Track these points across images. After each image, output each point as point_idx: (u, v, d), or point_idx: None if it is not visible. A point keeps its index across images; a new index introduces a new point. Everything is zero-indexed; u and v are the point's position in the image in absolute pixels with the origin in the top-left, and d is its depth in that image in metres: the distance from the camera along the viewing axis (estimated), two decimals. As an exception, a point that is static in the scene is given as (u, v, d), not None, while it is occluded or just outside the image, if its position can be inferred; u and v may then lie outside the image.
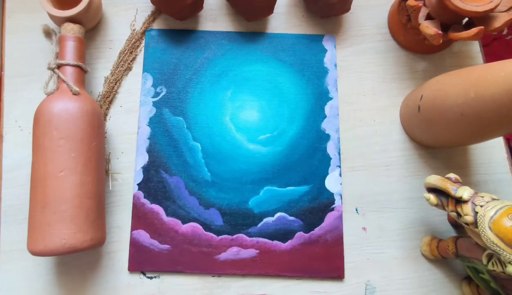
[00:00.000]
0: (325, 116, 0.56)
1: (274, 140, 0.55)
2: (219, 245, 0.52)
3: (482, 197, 0.40)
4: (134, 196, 0.53)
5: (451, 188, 0.41)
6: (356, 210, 0.54)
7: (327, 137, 0.55)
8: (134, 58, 0.57)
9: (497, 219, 0.37)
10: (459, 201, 0.41)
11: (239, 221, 0.52)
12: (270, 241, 0.52)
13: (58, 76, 0.48)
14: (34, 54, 0.57)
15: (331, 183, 0.54)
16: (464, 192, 0.40)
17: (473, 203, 0.40)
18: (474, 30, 0.46)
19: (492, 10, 0.47)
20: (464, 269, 0.51)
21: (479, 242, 0.41)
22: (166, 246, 0.51)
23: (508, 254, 0.36)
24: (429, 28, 0.49)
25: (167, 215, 0.52)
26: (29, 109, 0.54)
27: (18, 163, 0.53)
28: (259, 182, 0.54)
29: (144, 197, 0.53)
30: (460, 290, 0.51)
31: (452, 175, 0.44)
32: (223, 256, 0.51)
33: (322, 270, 0.51)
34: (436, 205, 0.44)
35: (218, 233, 0.52)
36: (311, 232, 0.52)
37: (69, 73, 0.48)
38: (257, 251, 0.52)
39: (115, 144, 0.55)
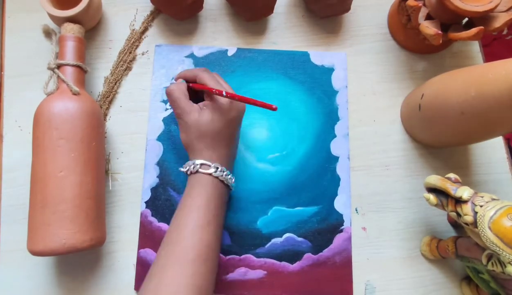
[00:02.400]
0: (335, 136, 0.55)
1: (283, 159, 0.54)
2: (226, 265, 0.51)
3: (482, 197, 0.40)
4: (141, 214, 0.52)
5: (451, 188, 0.41)
6: (356, 210, 0.54)
7: (336, 157, 0.55)
8: (133, 58, 0.57)
9: (497, 219, 0.37)
10: (458, 201, 0.41)
11: (247, 241, 0.52)
12: (278, 262, 0.51)
13: (58, 76, 0.48)
14: (34, 54, 0.57)
15: (340, 204, 0.53)
16: (464, 192, 0.40)
17: (472, 203, 0.40)
18: (474, 30, 0.46)
19: (492, 10, 0.47)
20: (464, 269, 0.51)
21: (479, 242, 0.41)
22: None
23: (507, 254, 0.36)
24: (429, 28, 0.49)
25: None
26: (29, 109, 0.54)
27: (18, 162, 0.53)
28: (268, 201, 0.53)
29: (152, 215, 0.52)
30: (459, 290, 0.51)
31: (451, 175, 0.44)
32: (230, 276, 0.51)
33: (330, 293, 0.51)
34: (436, 205, 0.44)
35: (225, 253, 0.51)
36: (320, 254, 0.52)
37: (69, 73, 0.48)
38: (265, 272, 0.51)
39: (115, 144, 0.55)
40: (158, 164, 0.54)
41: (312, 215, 0.53)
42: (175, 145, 0.54)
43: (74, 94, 0.47)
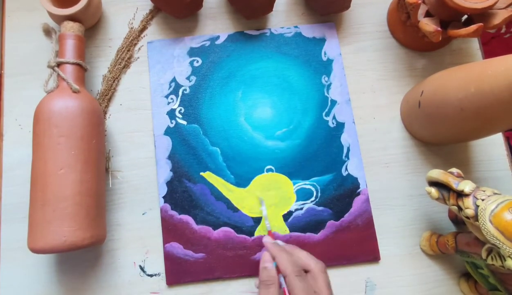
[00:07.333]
0: (336, 103, 0.56)
1: (291, 133, 0.55)
2: (253, 245, 0.51)
3: (484, 191, 0.40)
4: (161, 209, 0.52)
5: (453, 182, 0.41)
6: (356, 207, 0.54)
7: (342, 123, 0.55)
8: (131, 56, 0.57)
9: (498, 213, 0.37)
10: (460, 195, 0.41)
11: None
12: (302, 234, 0.52)
13: (58, 74, 0.48)
14: (34, 52, 0.57)
15: (353, 167, 0.54)
16: (466, 186, 0.40)
17: (474, 196, 0.40)
18: (473, 27, 0.46)
19: (491, 7, 0.47)
20: (464, 266, 0.51)
21: (479, 236, 0.41)
22: (201, 255, 0.51)
23: (507, 248, 0.36)
24: (428, 26, 0.49)
25: (197, 223, 0.52)
26: (29, 107, 0.54)
27: (18, 161, 0.53)
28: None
29: (172, 209, 0.52)
30: (458, 287, 0.51)
31: (454, 170, 0.44)
32: (258, 255, 0.51)
33: (358, 255, 0.51)
34: (437, 199, 0.44)
35: (250, 234, 0.52)
36: (342, 219, 0.52)
37: (69, 71, 0.48)
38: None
39: (115, 142, 0.55)
40: (169, 157, 0.54)
41: (328, 183, 0.54)
42: (183, 137, 0.54)
43: (74, 92, 0.47)
